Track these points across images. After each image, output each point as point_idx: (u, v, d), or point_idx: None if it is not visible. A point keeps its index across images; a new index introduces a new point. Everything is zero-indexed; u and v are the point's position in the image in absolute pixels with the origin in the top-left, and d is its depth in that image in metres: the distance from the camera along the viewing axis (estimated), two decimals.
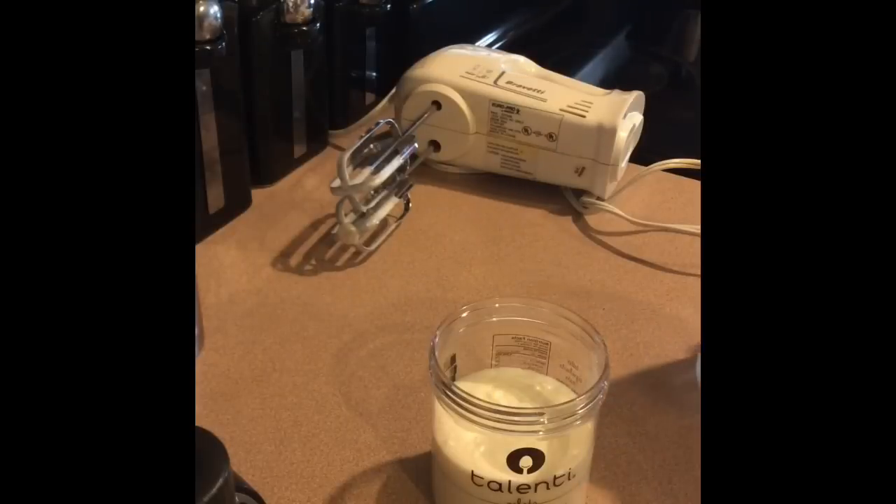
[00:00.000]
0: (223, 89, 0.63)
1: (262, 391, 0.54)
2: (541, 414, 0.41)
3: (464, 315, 0.46)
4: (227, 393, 0.54)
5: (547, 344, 0.47)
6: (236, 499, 0.35)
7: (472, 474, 0.42)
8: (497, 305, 0.47)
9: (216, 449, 0.32)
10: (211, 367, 0.56)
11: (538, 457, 0.41)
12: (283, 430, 0.51)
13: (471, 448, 0.43)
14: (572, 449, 0.43)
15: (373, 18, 0.80)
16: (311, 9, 0.69)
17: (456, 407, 0.41)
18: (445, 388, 0.41)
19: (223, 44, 0.60)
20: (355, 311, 0.61)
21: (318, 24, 0.70)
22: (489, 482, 0.42)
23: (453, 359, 0.47)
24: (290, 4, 0.68)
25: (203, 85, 0.61)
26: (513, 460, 0.41)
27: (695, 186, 0.77)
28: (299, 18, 0.69)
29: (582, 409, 0.40)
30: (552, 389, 0.47)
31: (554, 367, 0.47)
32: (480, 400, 0.40)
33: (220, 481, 0.31)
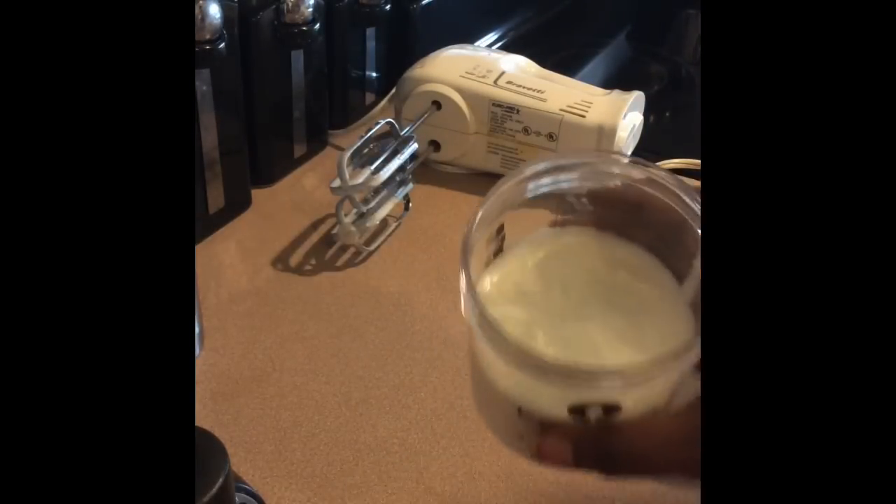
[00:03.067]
0: (223, 89, 0.63)
1: (262, 391, 0.54)
2: (621, 373, 0.30)
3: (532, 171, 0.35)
4: (227, 393, 0.54)
5: (638, 206, 0.35)
6: (236, 499, 0.35)
7: (520, 410, 0.33)
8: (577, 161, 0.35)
9: (216, 449, 0.32)
10: (211, 367, 0.56)
11: (612, 408, 0.32)
12: (283, 430, 0.51)
13: (522, 383, 0.33)
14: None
15: (373, 18, 0.80)
16: (311, 9, 0.69)
17: (498, 350, 0.31)
18: (483, 321, 0.31)
19: (223, 44, 0.60)
20: (355, 311, 0.61)
21: (318, 24, 0.70)
22: (542, 420, 0.33)
23: (500, 230, 0.36)
24: (290, 4, 0.68)
25: (203, 85, 0.61)
26: (577, 408, 0.32)
27: (695, 186, 0.77)
28: (299, 18, 0.69)
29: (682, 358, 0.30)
30: (638, 267, 0.35)
31: (644, 234, 0.36)
32: (532, 349, 0.30)
33: (220, 481, 0.31)
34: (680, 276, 0.35)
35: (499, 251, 0.36)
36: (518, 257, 0.37)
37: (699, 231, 0.32)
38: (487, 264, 0.36)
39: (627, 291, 0.35)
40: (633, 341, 0.33)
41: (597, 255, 0.37)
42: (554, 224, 0.37)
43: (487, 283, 0.36)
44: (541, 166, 0.35)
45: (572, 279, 0.36)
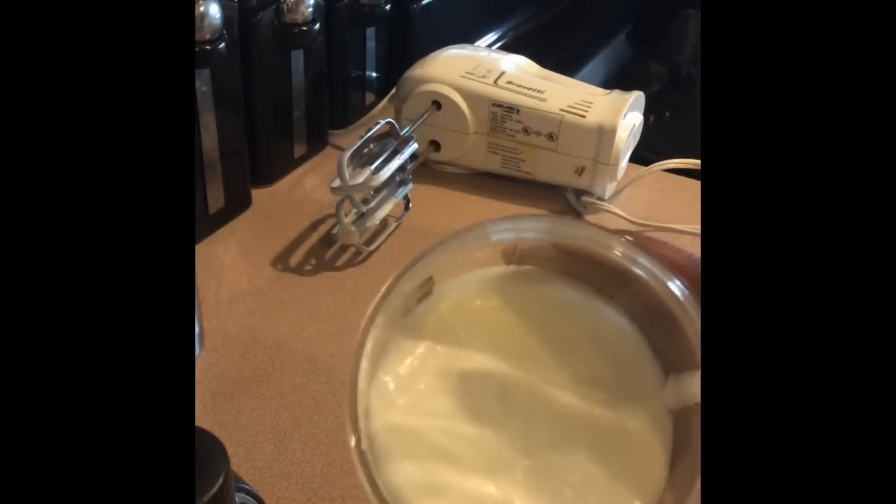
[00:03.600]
0: (223, 89, 0.63)
1: (262, 391, 0.54)
2: None
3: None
4: (227, 393, 0.54)
5: (624, 271, 0.25)
6: (236, 499, 0.35)
7: None
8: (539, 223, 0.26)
9: (216, 449, 0.32)
10: (211, 367, 0.56)
11: None
12: (283, 430, 0.51)
13: None
14: None
15: (373, 18, 0.80)
16: (311, 9, 0.69)
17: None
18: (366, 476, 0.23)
19: (223, 44, 0.60)
20: (355, 311, 0.61)
21: (318, 24, 0.70)
22: None
23: (427, 283, 0.27)
24: (290, 4, 0.68)
25: (203, 85, 0.61)
26: None
27: (695, 186, 0.77)
28: (299, 18, 0.69)
29: None
30: (615, 351, 0.26)
31: (630, 299, 0.27)
32: None
33: (220, 481, 0.31)
34: (667, 363, 0.26)
35: (426, 295, 0.27)
36: (445, 324, 0.27)
37: (696, 331, 0.24)
38: (406, 313, 0.26)
39: (596, 398, 0.26)
40: (593, 487, 0.25)
41: (560, 327, 0.26)
42: (508, 259, 0.26)
43: (400, 371, 0.26)
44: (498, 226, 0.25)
45: (519, 376, 0.26)
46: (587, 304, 0.26)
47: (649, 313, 0.25)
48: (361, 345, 0.24)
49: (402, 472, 0.24)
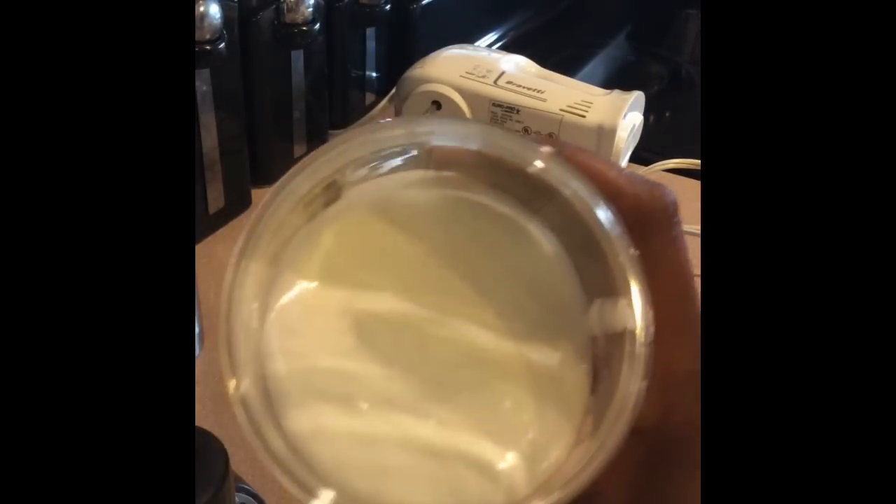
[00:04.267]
0: (223, 89, 0.63)
1: None
2: None
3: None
4: (226, 393, 0.54)
5: (550, 186, 0.22)
6: (236, 499, 0.35)
7: None
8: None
9: (216, 449, 0.32)
10: (211, 367, 0.55)
11: None
12: None
13: None
14: None
15: (373, 18, 0.80)
16: (311, 9, 0.70)
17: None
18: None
19: (223, 44, 0.60)
20: None
21: (318, 24, 0.71)
22: None
23: (330, 187, 0.24)
24: (290, 4, 0.68)
25: (203, 85, 0.61)
26: None
27: (695, 186, 0.77)
28: (299, 18, 0.69)
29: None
30: (538, 260, 0.24)
31: (556, 214, 0.24)
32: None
33: (220, 481, 0.31)
34: (590, 286, 0.24)
35: (333, 200, 0.24)
36: (339, 259, 0.24)
37: (624, 263, 0.22)
38: (312, 217, 0.23)
39: (518, 332, 0.24)
40: (520, 427, 0.23)
41: (479, 250, 0.24)
42: (428, 163, 0.24)
43: (292, 311, 0.24)
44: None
45: (432, 313, 0.24)
46: (510, 218, 0.24)
47: (575, 232, 0.23)
48: (236, 269, 0.22)
49: (302, 420, 0.23)
